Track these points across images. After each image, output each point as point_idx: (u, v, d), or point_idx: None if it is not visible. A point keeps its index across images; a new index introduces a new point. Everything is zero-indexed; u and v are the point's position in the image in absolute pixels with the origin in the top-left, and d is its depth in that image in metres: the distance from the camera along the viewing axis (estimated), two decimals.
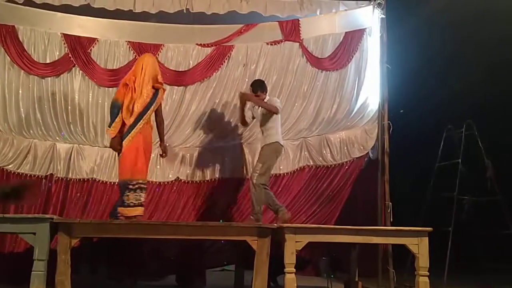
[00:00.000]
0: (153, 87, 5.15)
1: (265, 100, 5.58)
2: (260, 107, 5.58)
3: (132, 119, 4.97)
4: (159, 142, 5.46)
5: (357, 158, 6.27)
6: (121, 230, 4.63)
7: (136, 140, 4.97)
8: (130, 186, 4.89)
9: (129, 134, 4.95)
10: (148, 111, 5.06)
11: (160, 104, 5.29)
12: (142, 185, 4.97)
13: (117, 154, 5.11)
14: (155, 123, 5.33)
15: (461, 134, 7.04)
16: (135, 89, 5.03)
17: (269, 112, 5.49)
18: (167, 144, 5.71)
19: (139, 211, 4.93)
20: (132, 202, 4.89)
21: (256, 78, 5.93)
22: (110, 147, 5.09)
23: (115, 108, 5.01)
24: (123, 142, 4.96)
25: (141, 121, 5.01)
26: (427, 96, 7.83)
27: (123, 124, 4.99)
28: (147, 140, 5.12)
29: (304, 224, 5.78)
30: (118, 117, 4.98)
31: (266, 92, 5.69)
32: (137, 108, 4.99)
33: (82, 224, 4.60)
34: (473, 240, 7.36)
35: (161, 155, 5.50)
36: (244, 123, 5.76)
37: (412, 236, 4.79)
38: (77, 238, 4.47)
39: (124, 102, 5.00)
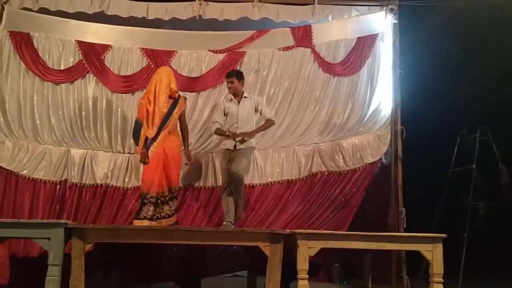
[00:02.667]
0: (169, 96, 5.26)
1: (245, 96, 5.64)
2: (240, 107, 5.60)
3: (153, 132, 5.15)
4: (184, 150, 5.58)
5: (370, 163, 6.22)
6: (134, 235, 4.66)
7: (158, 153, 5.16)
8: (145, 200, 5.15)
9: (152, 146, 5.15)
10: (168, 121, 5.22)
11: (184, 111, 5.47)
12: (152, 200, 5.16)
13: (142, 164, 5.36)
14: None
15: (475, 139, 6.98)
16: (149, 101, 5.19)
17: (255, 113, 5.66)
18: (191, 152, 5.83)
19: (145, 223, 5.11)
20: (142, 216, 5.14)
21: (234, 69, 5.94)
22: (140, 161, 5.29)
23: (137, 128, 5.24)
24: (149, 152, 5.19)
25: (162, 132, 5.17)
26: (441, 101, 7.78)
27: (146, 138, 5.20)
28: (174, 150, 5.29)
29: (317, 230, 5.75)
30: (141, 134, 5.18)
31: (242, 82, 5.66)
32: (156, 120, 5.17)
33: (96, 229, 4.64)
34: (488, 247, 7.27)
35: (185, 163, 5.63)
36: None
37: (426, 243, 4.74)
38: (90, 243, 4.49)
39: (144, 119, 5.20)
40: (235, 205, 5.50)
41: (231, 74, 5.71)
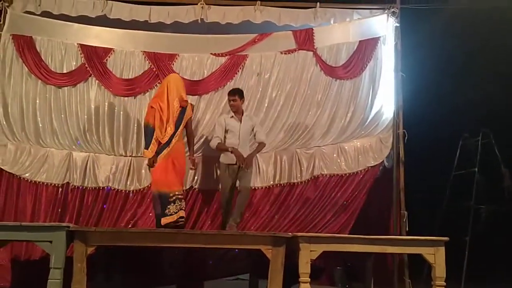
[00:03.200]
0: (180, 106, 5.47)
1: (246, 114, 5.83)
2: (242, 124, 5.75)
3: (166, 138, 5.37)
4: (189, 155, 5.71)
5: (372, 167, 6.22)
6: (137, 238, 4.67)
7: (169, 155, 5.36)
8: (170, 199, 5.30)
9: (163, 151, 5.35)
10: (178, 130, 5.42)
11: (190, 117, 5.65)
12: (180, 196, 5.39)
13: (148, 168, 5.55)
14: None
15: (478, 142, 6.98)
16: (162, 111, 5.38)
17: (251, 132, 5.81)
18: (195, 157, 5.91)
19: (180, 213, 5.35)
20: (174, 211, 5.31)
21: (236, 88, 5.96)
22: (148, 165, 5.48)
23: (149, 132, 5.40)
24: (158, 158, 5.36)
25: (173, 139, 5.38)
26: (443, 104, 7.77)
27: (159, 143, 5.38)
28: (179, 153, 5.49)
29: (319, 233, 5.75)
30: (153, 139, 5.36)
31: (243, 101, 5.83)
32: (170, 129, 5.37)
33: (98, 232, 4.64)
34: (491, 250, 7.26)
35: (190, 168, 5.77)
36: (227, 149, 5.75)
37: (428, 246, 4.74)
38: (93, 246, 4.50)
39: (156, 124, 5.37)
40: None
41: (234, 92, 5.81)
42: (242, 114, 5.82)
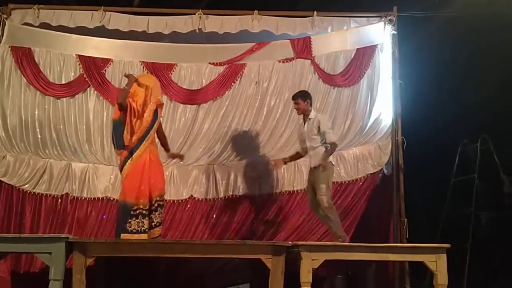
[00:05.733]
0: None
1: (310, 117, 5.29)
2: (305, 127, 5.34)
3: (135, 140, 4.93)
4: (167, 154, 5.43)
5: (371, 174, 6.23)
6: (136, 249, 4.64)
7: (141, 160, 4.93)
8: (132, 212, 4.83)
9: (133, 155, 4.90)
10: (151, 131, 5.02)
11: (160, 121, 5.25)
12: (144, 211, 4.88)
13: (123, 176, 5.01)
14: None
15: (476, 148, 6.98)
16: (136, 110, 4.96)
17: (318, 134, 5.23)
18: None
19: (142, 236, 4.82)
20: (135, 229, 4.82)
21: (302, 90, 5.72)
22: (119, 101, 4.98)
23: (118, 128, 4.97)
24: (127, 163, 4.91)
25: (145, 141, 4.96)
26: (441, 110, 7.77)
27: (126, 145, 4.93)
28: (157, 158, 5.12)
29: (319, 241, 5.73)
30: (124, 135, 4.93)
31: (308, 101, 5.36)
32: (140, 129, 4.95)
33: (97, 243, 4.63)
34: (492, 256, 7.23)
35: (180, 162, 5.53)
36: (302, 156, 5.56)
37: (429, 253, 4.72)
38: (92, 258, 4.48)
39: (125, 123, 4.93)
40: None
41: (296, 95, 5.45)
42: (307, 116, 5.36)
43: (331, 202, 5.23)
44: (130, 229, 4.81)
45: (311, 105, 5.41)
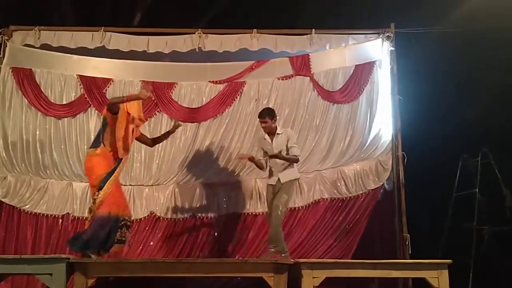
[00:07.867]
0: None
1: (278, 132, 5.41)
2: (274, 143, 5.39)
3: (125, 154, 4.93)
4: (163, 136, 5.45)
5: (372, 190, 6.22)
6: (137, 268, 4.63)
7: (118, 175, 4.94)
8: (120, 223, 4.80)
9: (117, 168, 4.89)
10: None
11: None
12: (128, 223, 4.91)
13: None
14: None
15: (477, 163, 6.97)
16: (129, 127, 4.94)
17: (286, 149, 5.32)
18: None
19: (116, 248, 4.82)
20: (116, 239, 4.78)
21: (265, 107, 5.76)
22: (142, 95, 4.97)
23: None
24: (113, 175, 4.85)
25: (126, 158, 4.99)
26: (441, 125, 7.80)
27: (114, 156, 4.90)
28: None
29: (321, 259, 5.70)
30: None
31: (275, 120, 5.43)
32: (131, 146, 5.00)
33: (98, 263, 4.60)
34: (494, 271, 7.17)
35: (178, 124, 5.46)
36: (262, 167, 5.52)
37: (431, 269, 4.69)
38: (93, 278, 4.46)
39: (120, 134, 4.88)
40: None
41: (264, 115, 5.43)
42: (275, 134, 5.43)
43: (284, 215, 5.33)
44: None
45: (275, 122, 5.44)
